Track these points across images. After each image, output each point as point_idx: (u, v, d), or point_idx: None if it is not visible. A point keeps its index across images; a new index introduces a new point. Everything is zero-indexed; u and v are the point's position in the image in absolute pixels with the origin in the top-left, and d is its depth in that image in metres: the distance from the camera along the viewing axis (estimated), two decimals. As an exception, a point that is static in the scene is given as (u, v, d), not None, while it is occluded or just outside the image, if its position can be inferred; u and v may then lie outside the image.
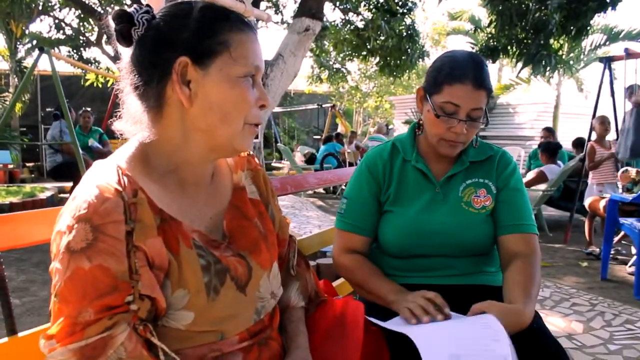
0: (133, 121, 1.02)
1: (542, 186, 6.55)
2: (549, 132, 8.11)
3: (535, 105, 13.24)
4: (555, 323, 3.52)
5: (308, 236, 2.02)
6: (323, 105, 16.75)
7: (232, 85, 0.97)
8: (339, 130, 16.16)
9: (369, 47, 9.36)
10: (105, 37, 11.86)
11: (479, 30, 11.79)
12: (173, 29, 0.97)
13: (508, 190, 1.59)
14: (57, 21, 13.22)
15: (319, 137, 15.82)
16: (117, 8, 0.98)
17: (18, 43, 14.23)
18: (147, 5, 0.97)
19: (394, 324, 1.31)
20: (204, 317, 0.97)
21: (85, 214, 0.86)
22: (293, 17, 5.01)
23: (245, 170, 1.19)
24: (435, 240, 1.55)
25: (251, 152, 1.23)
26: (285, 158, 12.96)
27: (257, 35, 1.03)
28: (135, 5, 0.97)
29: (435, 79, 1.50)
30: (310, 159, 13.59)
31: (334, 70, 13.72)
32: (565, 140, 8.87)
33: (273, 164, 14.74)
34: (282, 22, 11.86)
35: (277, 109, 17.50)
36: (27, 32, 14.35)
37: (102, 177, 0.92)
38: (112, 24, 0.96)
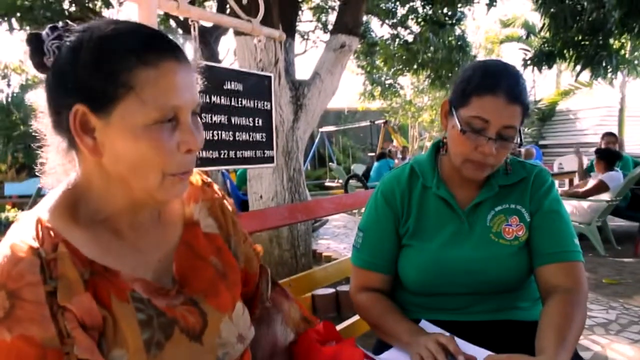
0: (61, 156, 0.88)
1: (606, 196, 6.12)
2: (614, 136, 7.58)
3: (598, 109, 12.69)
4: (621, 351, 3.16)
5: (324, 266, 1.85)
6: (375, 122, 16.58)
7: (137, 135, 0.80)
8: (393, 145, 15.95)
9: (419, 60, 9.22)
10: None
11: (533, 36, 11.41)
12: (67, 67, 0.80)
13: (542, 213, 1.38)
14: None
15: (374, 154, 15.62)
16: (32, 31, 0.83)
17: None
18: (65, 25, 0.82)
19: None
20: None
21: None
22: (330, 33, 4.90)
23: (200, 202, 1.03)
24: (460, 278, 1.37)
25: (208, 180, 1.08)
26: (338, 177, 12.85)
27: (182, 66, 0.83)
28: (50, 27, 0.81)
29: (464, 90, 1.31)
30: (365, 177, 13.40)
31: (386, 86, 13.59)
32: (632, 145, 8.34)
33: (327, 184, 14.60)
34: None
35: (330, 128, 17.46)
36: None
37: (17, 235, 0.79)
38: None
